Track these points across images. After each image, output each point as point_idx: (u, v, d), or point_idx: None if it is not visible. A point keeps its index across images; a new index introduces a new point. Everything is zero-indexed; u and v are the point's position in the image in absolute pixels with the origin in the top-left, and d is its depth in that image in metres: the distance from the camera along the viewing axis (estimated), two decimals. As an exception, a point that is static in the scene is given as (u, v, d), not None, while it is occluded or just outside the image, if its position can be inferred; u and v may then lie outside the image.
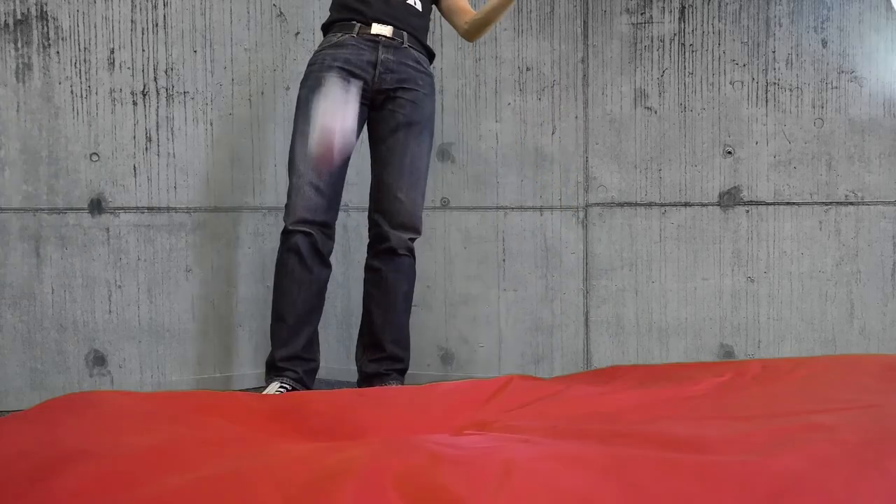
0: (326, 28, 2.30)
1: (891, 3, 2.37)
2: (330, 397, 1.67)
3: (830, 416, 1.20)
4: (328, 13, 2.33)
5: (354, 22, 2.22)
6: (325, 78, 2.16)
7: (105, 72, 2.43)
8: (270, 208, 2.67)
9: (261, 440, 1.26)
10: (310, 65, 2.24)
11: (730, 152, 2.51)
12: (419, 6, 2.29)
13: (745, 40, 2.50)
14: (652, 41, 2.56)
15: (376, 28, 2.21)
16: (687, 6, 2.54)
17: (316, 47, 2.32)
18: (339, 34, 2.23)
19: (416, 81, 2.25)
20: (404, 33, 2.24)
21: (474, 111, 2.68)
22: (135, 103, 2.47)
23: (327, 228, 2.19)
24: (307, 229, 2.14)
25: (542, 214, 2.63)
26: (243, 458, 1.08)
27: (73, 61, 2.40)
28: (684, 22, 2.54)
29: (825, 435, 1.08)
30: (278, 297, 2.19)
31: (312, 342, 2.22)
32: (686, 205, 2.54)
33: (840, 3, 2.43)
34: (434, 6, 2.41)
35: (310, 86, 2.19)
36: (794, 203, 2.47)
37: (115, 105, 2.45)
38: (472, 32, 2.34)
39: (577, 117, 2.61)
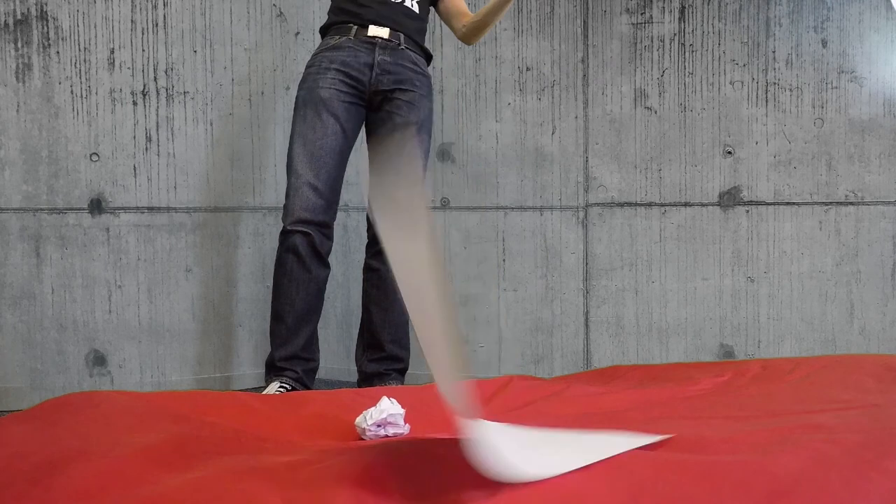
0: (324, 31, 2.31)
1: (891, 3, 2.37)
2: (330, 397, 1.67)
3: (830, 416, 1.20)
4: (327, 15, 2.33)
5: (351, 24, 2.23)
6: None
7: (105, 72, 2.43)
8: (270, 208, 2.67)
9: (261, 440, 1.26)
10: (308, 67, 2.24)
11: (730, 152, 2.51)
12: (416, 8, 2.29)
13: (745, 40, 2.50)
14: (652, 41, 2.56)
15: (373, 30, 2.22)
16: (687, 6, 2.54)
17: (315, 48, 2.32)
18: (337, 37, 2.23)
19: (413, 83, 2.25)
20: (401, 35, 2.25)
21: (474, 111, 2.68)
22: (135, 103, 2.47)
23: (326, 228, 2.19)
24: (305, 229, 2.14)
25: (542, 214, 2.63)
26: (243, 458, 1.08)
27: (73, 61, 2.40)
28: (684, 22, 2.54)
29: (825, 435, 1.08)
30: (277, 297, 2.19)
31: (312, 342, 2.23)
32: (686, 205, 2.54)
33: (840, 3, 2.43)
34: (432, 8, 2.41)
35: (308, 87, 2.20)
36: (794, 203, 2.47)
37: (115, 105, 2.45)
38: (469, 35, 2.35)
39: (577, 117, 2.61)
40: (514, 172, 2.65)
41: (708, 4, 2.52)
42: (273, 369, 2.18)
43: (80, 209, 2.41)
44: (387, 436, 1.35)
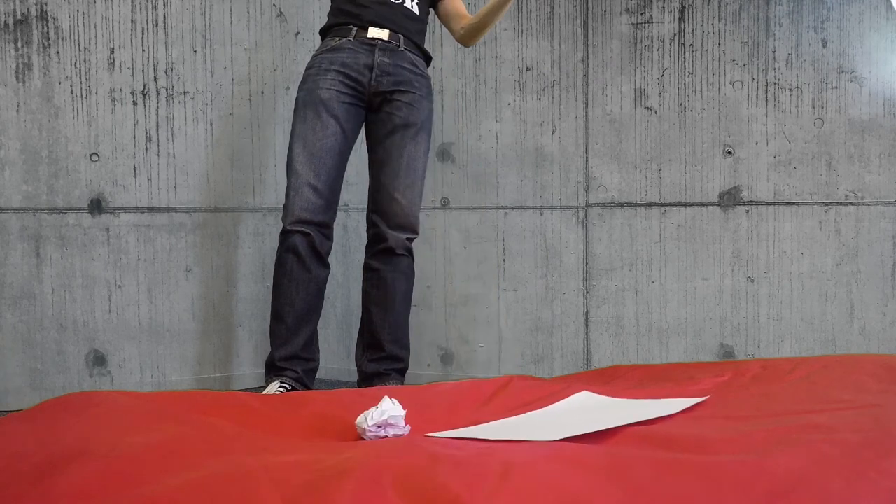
0: (324, 32, 2.31)
1: (891, 3, 2.37)
2: (330, 397, 1.67)
3: (830, 416, 1.20)
4: (327, 17, 2.33)
5: (351, 26, 2.23)
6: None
7: (105, 72, 2.43)
8: (270, 208, 2.67)
9: (261, 440, 1.26)
10: (308, 68, 2.25)
11: (730, 152, 2.51)
12: (416, 10, 2.29)
13: (745, 40, 2.50)
14: (652, 41, 2.56)
15: (373, 31, 2.22)
16: (687, 6, 2.54)
17: (316, 47, 2.33)
18: (337, 38, 2.24)
19: (413, 84, 2.26)
20: (401, 36, 2.25)
21: (474, 111, 2.68)
22: (135, 103, 2.47)
23: (325, 228, 2.19)
24: (305, 229, 2.15)
25: (542, 214, 2.63)
26: (243, 458, 1.08)
27: (73, 61, 2.40)
28: (684, 22, 2.54)
29: (825, 435, 1.08)
30: (277, 297, 2.20)
31: (311, 342, 2.23)
32: (686, 205, 2.54)
33: (840, 3, 2.43)
34: (432, 10, 2.42)
35: (308, 88, 2.21)
36: (794, 203, 2.47)
37: (115, 105, 2.45)
38: (467, 37, 2.35)
39: (577, 117, 2.61)
40: (514, 172, 2.65)
41: (708, 4, 2.52)
42: (273, 369, 2.18)
43: (80, 209, 2.41)
44: (387, 437, 1.35)
